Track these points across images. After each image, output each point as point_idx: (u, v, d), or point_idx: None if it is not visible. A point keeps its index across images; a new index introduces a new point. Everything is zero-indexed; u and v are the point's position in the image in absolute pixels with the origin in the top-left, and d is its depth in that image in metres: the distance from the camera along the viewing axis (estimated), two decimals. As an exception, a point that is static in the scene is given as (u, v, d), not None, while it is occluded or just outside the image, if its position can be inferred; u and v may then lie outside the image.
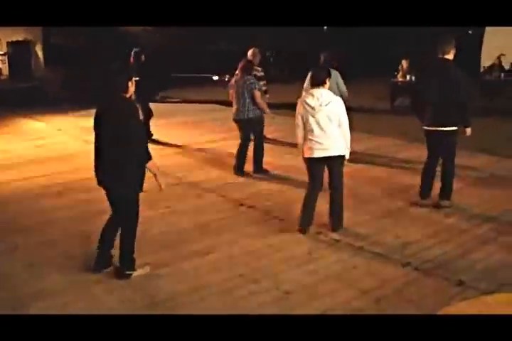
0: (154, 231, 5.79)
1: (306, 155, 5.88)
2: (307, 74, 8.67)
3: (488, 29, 17.98)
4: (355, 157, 8.15)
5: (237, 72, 8.36)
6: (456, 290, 4.70)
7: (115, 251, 5.11)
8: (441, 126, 6.51)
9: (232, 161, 8.52)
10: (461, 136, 6.62)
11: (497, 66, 16.95)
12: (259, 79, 10.00)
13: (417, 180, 6.95)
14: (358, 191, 7.38)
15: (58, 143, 11.08)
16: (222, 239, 5.91)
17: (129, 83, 4.84)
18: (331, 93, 5.78)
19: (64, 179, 8.31)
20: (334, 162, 5.85)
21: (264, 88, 10.33)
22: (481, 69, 17.49)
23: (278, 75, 16.96)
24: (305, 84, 8.80)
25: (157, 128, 11.16)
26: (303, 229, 5.98)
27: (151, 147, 4.93)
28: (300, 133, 5.89)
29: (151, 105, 11.09)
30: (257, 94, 8.11)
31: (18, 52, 16.71)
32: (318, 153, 5.76)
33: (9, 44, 18.51)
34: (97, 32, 16.94)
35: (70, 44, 17.28)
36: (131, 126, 4.67)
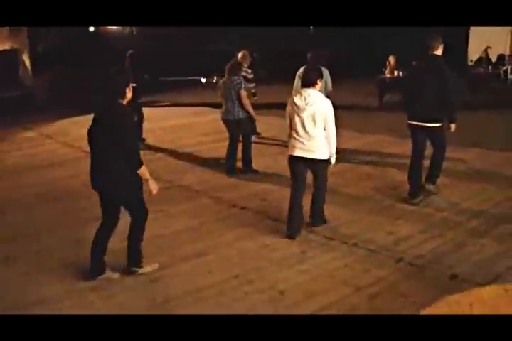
0: (148, 234, 5.75)
1: (288, 153, 5.92)
2: (296, 73, 8.78)
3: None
4: (344, 155, 8.19)
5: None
6: (451, 284, 4.74)
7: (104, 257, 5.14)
8: (428, 122, 6.58)
9: (223, 162, 8.54)
10: (445, 131, 6.70)
11: (484, 59, 17.02)
12: (249, 81, 10.14)
13: (406, 177, 6.99)
14: (349, 188, 7.41)
15: (50, 151, 11.04)
16: (216, 241, 5.92)
17: (127, 89, 4.85)
18: (319, 94, 5.76)
19: (58, 186, 8.28)
20: (317, 165, 5.85)
21: (253, 90, 10.41)
22: (469, 63, 17.56)
23: (266, 75, 16.97)
24: (295, 84, 8.91)
25: (147, 132, 11.16)
26: (291, 234, 5.92)
27: (142, 152, 4.95)
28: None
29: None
30: (243, 94, 8.15)
31: (4, 61, 16.66)
32: (298, 152, 5.77)
33: (-5, 53, 18.45)
34: (83, 36, 16.96)
35: (57, 50, 17.28)
36: (124, 133, 4.70)
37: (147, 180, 4.88)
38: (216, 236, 6.05)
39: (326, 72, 8.36)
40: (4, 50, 16.83)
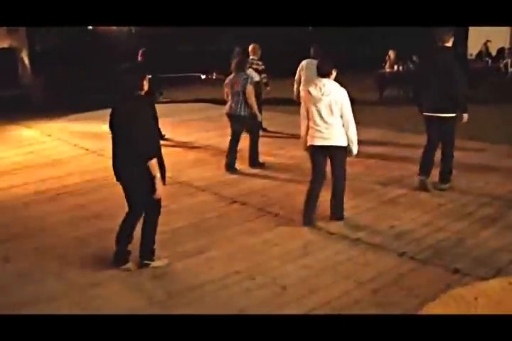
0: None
1: (308, 143, 5.98)
2: (297, 66, 8.91)
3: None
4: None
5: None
6: (454, 278, 4.71)
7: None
8: (442, 113, 6.71)
9: (223, 159, 8.51)
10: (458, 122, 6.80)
11: (484, 53, 16.97)
12: (260, 72, 10.43)
13: (409, 170, 6.99)
14: (351, 182, 7.35)
15: (49, 149, 11.01)
16: (217, 237, 5.90)
17: (143, 81, 4.94)
18: (334, 83, 5.83)
19: (56, 184, 8.25)
20: (335, 152, 5.88)
21: (264, 80, 10.66)
22: (468, 57, 17.50)
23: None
24: (296, 76, 9.03)
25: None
26: (306, 224, 6.01)
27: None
28: (303, 123, 5.99)
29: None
30: (250, 90, 8.14)
31: (3, 59, 16.62)
32: (318, 141, 5.84)
33: (-6, 52, 18.39)
34: (80, 35, 16.91)
35: (54, 49, 17.21)
36: (135, 126, 4.75)
37: (155, 175, 4.89)
38: (217, 232, 6.03)
39: None
40: (3, 49, 16.80)
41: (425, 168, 6.99)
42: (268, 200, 6.97)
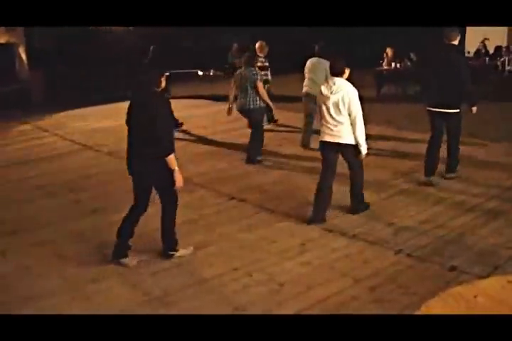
0: (148, 228, 5.75)
1: (319, 139, 6.09)
2: (305, 63, 9.32)
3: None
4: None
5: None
6: (451, 276, 4.72)
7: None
8: (448, 108, 6.87)
9: (221, 155, 8.52)
10: (468, 114, 7.05)
11: (482, 51, 16.95)
12: (263, 68, 10.50)
13: (407, 167, 7.01)
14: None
15: (46, 144, 10.99)
16: (215, 234, 5.90)
17: (162, 78, 5.01)
18: (345, 82, 5.90)
19: (53, 179, 8.26)
20: (345, 149, 5.94)
21: (265, 77, 10.59)
22: (466, 55, 17.49)
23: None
24: (305, 71, 9.14)
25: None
26: (313, 221, 6.01)
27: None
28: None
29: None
30: (260, 84, 8.30)
31: (1, 55, 16.56)
32: (327, 138, 5.94)
33: (-9, 47, 18.29)
34: (78, 32, 16.84)
35: (52, 45, 17.16)
36: (155, 121, 4.80)
37: (173, 170, 4.94)
38: (215, 229, 6.03)
39: (327, 63, 8.33)
40: (0, 44, 16.74)
41: (430, 168, 7.10)
42: (266, 197, 6.98)
